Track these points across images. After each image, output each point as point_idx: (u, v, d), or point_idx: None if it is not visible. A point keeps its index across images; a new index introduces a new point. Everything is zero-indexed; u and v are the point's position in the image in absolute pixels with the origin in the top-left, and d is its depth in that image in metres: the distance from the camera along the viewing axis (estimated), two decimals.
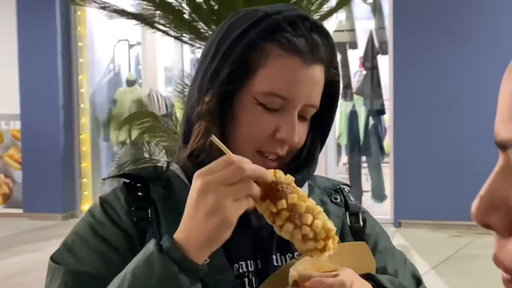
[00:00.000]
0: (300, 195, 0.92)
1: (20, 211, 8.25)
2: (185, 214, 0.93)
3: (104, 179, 1.26)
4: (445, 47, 6.93)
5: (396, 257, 1.22)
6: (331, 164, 7.85)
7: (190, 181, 1.07)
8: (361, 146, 8.16)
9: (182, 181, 1.12)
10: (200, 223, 0.90)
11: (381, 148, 8.11)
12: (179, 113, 3.29)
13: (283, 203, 0.90)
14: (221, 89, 1.06)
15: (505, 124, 0.50)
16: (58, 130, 8.09)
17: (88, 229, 1.09)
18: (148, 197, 1.10)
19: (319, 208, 0.94)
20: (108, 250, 1.06)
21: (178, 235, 0.93)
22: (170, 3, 3.14)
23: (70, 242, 1.09)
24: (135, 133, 4.33)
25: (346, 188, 1.26)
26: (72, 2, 3.56)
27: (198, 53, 3.57)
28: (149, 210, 1.09)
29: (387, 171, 7.64)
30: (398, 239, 6.58)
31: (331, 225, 0.93)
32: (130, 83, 8.90)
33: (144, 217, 1.09)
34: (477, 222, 0.55)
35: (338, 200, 1.21)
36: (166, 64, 9.04)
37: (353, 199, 1.25)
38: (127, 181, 1.14)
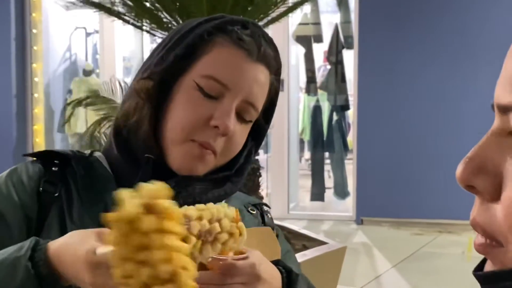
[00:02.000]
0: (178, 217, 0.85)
1: None
2: (71, 236, 0.92)
3: (24, 155, 1.23)
4: (411, 42, 7.00)
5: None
6: (293, 160, 7.87)
7: (112, 169, 1.13)
8: (324, 142, 8.19)
9: (104, 167, 1.14)
10: (67, 258, 0.90)
11: (345, 144, 8.16)
12: None
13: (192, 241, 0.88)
14: (165, 72, 1.09)
15: (510, 88, 0.52)
16: (10, 120, 7.97)
17: None
18: (62, 174, 1.11)
19: (212, 208, 0.92)
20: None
21: (55, 245, 0.92)
22: None
23: None
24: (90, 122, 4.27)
25: (265, 207, 1.28)
26: None
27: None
28: (58, 186, 1.10)
29: (350, 167, 7.68)
30: (360, 236, 6.64)
31: (231, 212, 0.94)
32: (87, 72, 8.80)
33: (51, 192, 1.09)
34: (460, 183, 0.55)
35: (254, 212, 1.24)
36: (125, 54, 8.97)
37: (270, 216, 1.27)
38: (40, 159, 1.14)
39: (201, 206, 0.93)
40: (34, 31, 8.17)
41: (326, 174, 8.57)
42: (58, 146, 8.65)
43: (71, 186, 1.11)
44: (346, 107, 8.13)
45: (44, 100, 8.35)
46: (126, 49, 9.02)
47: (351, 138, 7.86)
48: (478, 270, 0.56)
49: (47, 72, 8.49)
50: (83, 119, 7.97)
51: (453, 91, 6.94)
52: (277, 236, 1.20)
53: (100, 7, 3.20)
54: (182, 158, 1.08)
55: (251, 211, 1.24)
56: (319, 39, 8.38)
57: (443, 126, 6.98)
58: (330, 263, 3.49)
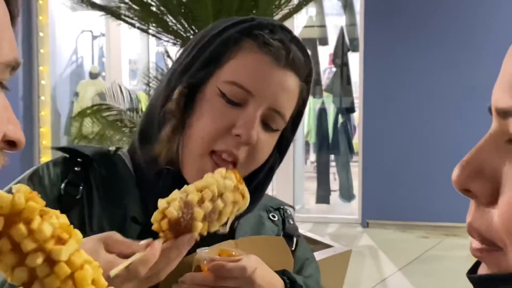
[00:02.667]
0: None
1: None
2: (84, 248, 0.89)
3: (53, 148, 1.21)
4: (416, 44, 6.99)
5: (319, 284, 1.21)
6: (299, 162, 7.86)
7: (136, 171, 1.09)
8: (330, 145, 8.19)
9: (127, 168, 1.11)
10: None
11: (350, 146, 8.15)
12: (144, 108, 3.26)
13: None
14: (190, 80, 1.05)
15: (509, 91, 0.51)
16: None
17: None
18: (85, 175, 1.08)
19: (212, 185, 0.92)
20: None
21: None
22: None
23: None
24: (96, 128, 4.29)
25: (289, 210, 1.25)
26: None
27: (165, 46, 3.55)
28: (80, 188, 1.06)
29: (356, 170, 7.67)
30: (365, 239, 6.63)
31: (231, 180, 0.93)
32: (93, 75, 8.83)
33: (73, 194, 1.06)
34: (456, 187, 0.54)
35: (276, 219, 1.20)
36: (131, 57, 8.98)
37: (291, 221, 1.24)
38: (67, 155, 1.11)
39: (200, 184, 0.92)
40: (41, 34, 8.19)
41: (331, 177, 8.56)
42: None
43: (93, 188, 1.07)
44: (351, 109, 8.12)
45: (51, 102, 8.37)
46: (132, 52, 9.04)
47: (357, 140, 7.85)
48: (472, 273, 0.56)
49: (54, 75, 8.51)
50: (90, 122, 7.99)
51: (459, 93, 6.93)
52: (296, 244, 1.17)
53: (105, 10, 3.21)
54: (195, 173, 1.03)
55: (272, 218, 1.20)
56: (324, 41, 8.38)
57: (449, 128, 6.96)
58: (335, 266, 3.48)
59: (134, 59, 9.14)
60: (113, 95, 3.38)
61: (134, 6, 3.16)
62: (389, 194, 7.11)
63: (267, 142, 1.06)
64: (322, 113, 8.35)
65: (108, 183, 1.08)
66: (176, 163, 1.06)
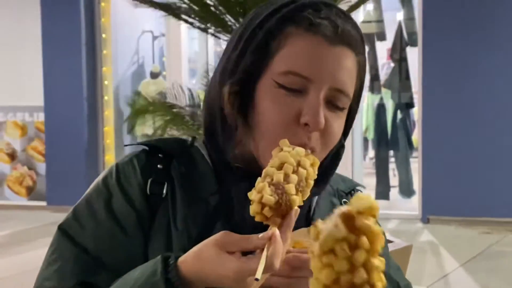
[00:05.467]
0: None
1: (43, 203, 8.35)
2: (203, 256, 0.90)
3: (126, 145, 1.21)
4: (476, 40, 6.87)
5: (390, 265, 1.18)
6: (357, 158, 7.83)
7: (213, 162, 1.08)
8: (389, 140, 8.14)
9: (205, 160, 1.09)
10: (215, 276, 0.89)
11: (409, 142, 8.08)
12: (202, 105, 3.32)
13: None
14: (243, 77, 1.03)
15: None
16: (82, 122, 8.17)
17: (99, 201, 1.06)
18: (167, 171, 1.07)
19: (288, 158, 0.92)
20: (116, 229, 1.04)
21: (187, 267, 0.91)
22: None
23: (79, 212, 1.06)
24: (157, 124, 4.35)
25: (360, 191, 1.23)
26: None
27: (224, 45, 3.57)
28: (165, 186, 1.06)
29: (416, 166, 7.60)
30: (426, 235, 6.57)
31: (300, 150, 0.94)
32: (154, 75, 8.95)
33: (159, 193, 1.05)
34: None
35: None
36: (190, 56, 9.07)
37: None
38: (146, 148, 1.11)
39: (275, 162, 0.92)
40: (103, 36, 8.36)
41: (391, 173, 8.50)
42: (127, 148, 8.77)
43: (175, 184, 1.06)
44: (410, 105, 8.06)
45: (113, 102, 8.53)
46: (191, 51, 9.14)
47: (416, 136, 7.78)
48: None
49: (116, 75, 8.66)
50: (151, 120, 8.10)
51: None
52: None
53: (167, 10, 3.25)
54: None
55: (345, 204, 1.16)
56: (382, 36, 8.33)
57: (511, 124, 6.82)
58: (396, 262, 3.46)
59: (193, 58, 9.23)
60: (175, 95, 3.43)
61: (193, 6, 3.19)
62: (450, 189, 7.02)
63: (337, 123, 1.03)
64: (380, 109, 8.30)
65: (189, 179, 1.07)
66: (248, 158, 1.05)
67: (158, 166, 1.08)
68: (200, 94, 3.48)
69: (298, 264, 0.95)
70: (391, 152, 8.36)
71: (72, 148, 8.14)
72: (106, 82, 8.40)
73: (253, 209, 0.89)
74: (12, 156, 8.59)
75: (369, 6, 8.04)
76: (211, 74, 3.73)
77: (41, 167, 8.44)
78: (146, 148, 1.11)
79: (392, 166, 8.53)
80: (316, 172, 0.95)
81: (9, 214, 8.11)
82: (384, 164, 8.27)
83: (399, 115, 8.10)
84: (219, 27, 3.15)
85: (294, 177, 0.91)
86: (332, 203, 1.16)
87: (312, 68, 0.99)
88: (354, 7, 3.65)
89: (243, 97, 1.03)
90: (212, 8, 3.11)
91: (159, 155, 1.09)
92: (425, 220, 7.12)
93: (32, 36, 8.24)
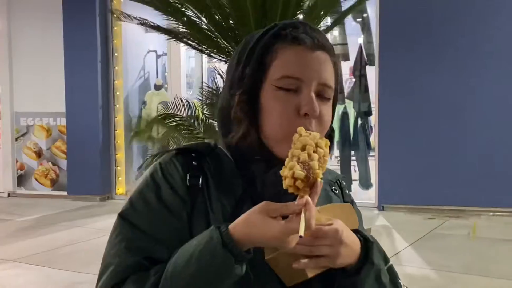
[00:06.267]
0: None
1: (65, 193, 8.31)
2: (250, 221, 0.92)
3: (175, 149, 1.16)
4: (423, 60, 6.93)
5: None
6: None
7: (234, 159, 1.10)
8: (351, 142, 8.15)
9: (229, 158, 1.11)
10: (262, 236, 0.91)
11: (368, 143, 8.09)
12: (201, 114, 3.29)
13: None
14: (248, 87, 1.06)
15: None
16: (97, 126, 8.14)
17: (150, 191, 1.06)
18: (201, 167, 1.09)
19: (308, 141, 0.95)
20: (166, 213, 1.04)
21: (237, 232, 0.93)
22: (195, 22, 3.15)
23: (134, 201, 1.07)
24: (162, 130, 4.34)
25: (343, 182, 1.27)
26: (117, 19, 3.54)
27: (216, 63, 3.57)
28: (201, 178, 1.07)
29: (373, 163, 7.62)
30: (381, 220, 6.60)
31: (316, 134, 0.97)
32: (158, 87, 8.92)
33: (196, 184, 1.07)
34: None
35: (337, 191, 1.22)
36: (188, 72, 9.06)
37: (347, 191, 1.26)
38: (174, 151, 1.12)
39: (299, 145, 0.95)
40: (116, 54, 8.33)
41: (352, 169, 8.51)
42: (135, 147, 8.75)
43: (208, 177, 1.08)
44: (368, 113, 8.06)
45: (123, 109, 8.50)
46: (188, 68, 9.12)
47: (373, 138, 7.80)
48: None
49: (126, 87, 8.63)
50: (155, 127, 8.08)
51: (462, 97, 6.85)
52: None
53: (170, 34, 3.24)
54: (288, 151, 1.00)
55: (335, 191, 1.21)
56: (346, 57, 8.34)
57: (452, 127, 6.88)
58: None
59: (190, 73, 9.21)
60: (176, 105, 3.42)
61: (192, 32, 3.19)
62: (400, 182, 7.06)
63: (327, 111, 1.07)
64: (344, 116, 8.30)
65: (218, 172, 1.09)
66: (263, 153, 1.07)
67: (193, 163, 1.09)
68: (197, 105, 3.48)
69: (319, 234, 0.97)
70: (353, 152, 8.38)
71: (89, 147, 8.10)
72: (117, 93, 8.37)
73: (286, 183, 0.91)
74: (39, 154, 8.53)
75: (336, 32, 8.06)
76: (205, 86, 3.71)
77: (63, 163, 8.39)
78: (177, 150, 1.12)
79: (353, 163, 8.54)
80: (329, 152, 0.98)
81: (36, 202, 8.06)
82: (347, 161, 8.28)
83: (359, 121, 8.10)
84: (214, 49, 3.16)
85: (315, 156, 0.93)
86: (326, 190, 1.19)
87: (302, 70, 1.04)
88: (325, 32, 3.68)
89: (250, 103, 1.06)
90: (209, 33, 3.11)
91: (193, 155, 1.11)
92: (380, 208, 7.16)
93: (56, 54, 8.20)
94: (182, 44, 3.61)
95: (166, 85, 8.92)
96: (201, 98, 3.19)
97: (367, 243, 1.06)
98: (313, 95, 1.03)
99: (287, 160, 0.94)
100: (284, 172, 0.92)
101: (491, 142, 6.71)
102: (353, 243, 1.02)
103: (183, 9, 3.11)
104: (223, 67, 3.37)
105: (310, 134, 0.97)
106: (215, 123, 3.18)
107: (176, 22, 3.18)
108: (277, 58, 1.05)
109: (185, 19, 3.20)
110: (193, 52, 8.90)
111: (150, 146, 8.11)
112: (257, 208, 0.92)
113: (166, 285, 0.94)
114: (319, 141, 0.96)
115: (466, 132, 6.82)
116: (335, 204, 1.12)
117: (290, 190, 0.92)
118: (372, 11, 7.63)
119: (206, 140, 1.04)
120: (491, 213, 6.66)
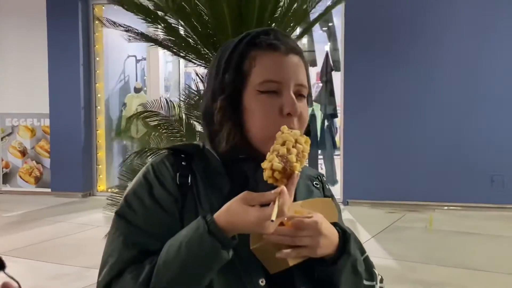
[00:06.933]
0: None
1: (48, 190, 8.19)
2: (231, 210, 0.94)
3: (165, 148, 1.17)
4: (384, 65, 7.03)
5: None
6: None
7: (221, 159, 1.10)
8: (318, 142, 8.20)
9: (216, 158, 1.11)
10: (242, 223, 0.93)
11: (334, 143, 8.14)
12: (183, 115, 3.26)
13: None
14: (229, 92, 1.06)
15: None
16: (79, 126, 8.05)
17: (144, 190, 1.07)
18: (189, 166, 1.09)
19: (288, 136, 0.97)
20: (159, 210, 1.05)
21: (221, 220, 0.95)
22: (176, 29, 3.14)
23: (130, 200, 1.07)
24: (142, 130, 4.27)
25: (323, 177, 1.28)
26: (102, 25, 3.49)
27: (194, 67, 3.53)
28: (189, 177, 1.08)
29: (338, 161, 7.68)
30: (346, 214, 6.67)
31: (296, 132, 0.99)
32: (137, 90, 8.85)
33: (186, 183, 1.07)
34: None
35: (318, 186, 1.23)
36: (166, 75, 9.01)
37: (327, 186, 1.27)
38: (171, 152, 1.12)
39: (280, 141, 0.97)
40: (97, 58, 8.24)
41: (319, 167, 8.57)
42: (115, 146, 8.68)
43: (197, 175, 1.09)
44: (334, 115, 8.11)
45: (104, 111, 8.42)
46: (166, 71, 9.07)
47: (338, 138, 7.87)
48: None
49: (107, 90, 8.54)
50: (134, 125, 8.00)
51: (417, 99, 6.97)
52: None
53: (153, 41, 3.23)
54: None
55: (316, 186, 1.22)
56: (313, 63, 8.37)
57: (409, 128, 7.00)
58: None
59: (168, 77, 9.17)
60: (158, 105, 3.38)
61: (174, 39, 3.18)
62: (364, 179, 7.15)
63: (304, 108, 1.08)
64: (312, 118, 8.31)
65: (206, 171, 1.10)
66: (248, 148, 1.07)
67: (183, 163, 1.10)
68: (178, 105, 3.44)
69: (301, 226, 0.99)
70: (320, 151, 8.44)
71: (71, 146, 8.00)
72: (99, 95, 8.28)
73: (266, 174, 0.94)
74: (24, 153, 8.38)
75: (304, 40, 8.11)
76: (181, 89, 3.66)
77: (47, 161, 8.27)
78: (170, 151, 1.13)
79: (320, 161, 8.60)
80: (309, 148, 0.99)
81: (21, 199, 7.92)
82: (314, 160, 8.32)
83: (326, 123, 8.16)
84: (193, 54, 3.16)
85: (294, 150, 0.95)
86: (307, 185, 1.20)
87: (280, 74, 1.05)
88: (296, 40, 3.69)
89: (232, 107, 1.07)
90: (189, 40, 3.10)
91: (182, 155, 1.11)
92: (345, 202, 7.22)
93: (40, 58, 8.08)
94: (160, 49, 3.56)
95: (145, 88, 8.85)
96: (182, 99, 3.16)
97: (345, 235, 1.07)
98: (293, 95, 1.05)
99: (268, 154, 0.96)
100: (264, 164, 0.95)
101: (446, 143, 6.86)
102: (332, 235, 1.03)
103: (165, 17, 3.10)
104: (202, 71, 3.36)
105: (291, 131, 0.99)
106: (196, 124, 3.18)
107: (158, 29, 3.16)
108: (257, 65, 1.06)
109: (165, 25, 3.19)
110: (171, 57, 8.86)
111: (130, 145, 8.07)
112: (238, 197, 0.94)
113: (159, 272, 0.96)
114: (299, 138, 0.98)
115: (423, 132, 6.94)
116: (316, 199, 1.14)
117: (269, 181, 0.94)
118: (337, 20, 7.70)
119: (194, 142, 1.05)
120: (445, 208, 6.80)
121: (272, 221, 0.88)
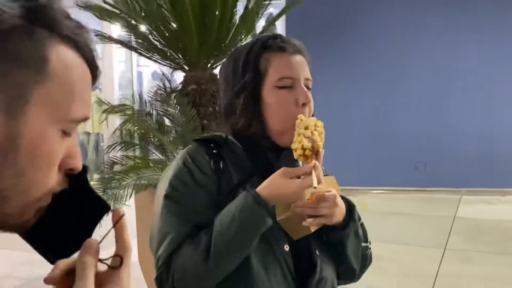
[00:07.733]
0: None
1: None
2: (273, 184, 1.06)
3: (195, 140, 1.25)
4: (327, 72, 7.18)
5: None
6: None
7: (243, 146, 1.22)
8: None
9: (238, 146, 1.22)
10: (284, 193, 1.05)
11: None
12: (153, 110, 3.21)
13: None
14: (251, 89, 1.18)
15: None
16: None
17: (186, 175, 1.16)
18: (219, 154, 1.19)
19: (310, 122, 1.10)
20: (202, 192, 1.14)
21: (264, 193, 1.06)
22: (146, 35, 3.16)
23: (175, 185, 1.15)
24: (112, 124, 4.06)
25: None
26: None
27: (152, 65, 3.43)
28: (221, 162, 1.18)
29: None
30: None
31: (313, 119, 1.11)
32: (93, 88, 8.65)
33: (218, 168, 1.17)
34: None
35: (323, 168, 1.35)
36: (119, 73, 8.88)
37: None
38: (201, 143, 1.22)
39: (302, 125, 1.09)
40: None
41: None
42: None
43: (227, 161, 1.19)
44: None
45: None
46: (120, 70, 8.93)
47: None
48: None
49: None
50: (90, 121, 7.83)
51: (348, 92, 7.17)
52: None
53: (125, 45, 3.21)
54: (290, 141, 1.12)
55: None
56: None
57: (340, 116, 7.14)
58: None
59: (121, 75, 9.03)
60: (134, 101, 3.25)
61: (142, 42, 3.19)
62: (327, 168, 7.25)
63: (311, 98, 1.21)
64: None
65: (233, 157, 1.21)
66: (266, 142, 1.20)
67: (214, 151, 1.20)
68: (147, 101, 3.39)
69: (323, 198, 1.13)
70: None
71: None
72: None
73: (297, 153, 1.07)
74: None
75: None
76: (134, 87, 3.56)
77: None
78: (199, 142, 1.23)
79: None
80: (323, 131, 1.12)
81: None
82: None
83: None
84: (161, 56, 3.18)
85: (316, 132, 1.09)
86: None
87: (292, 71, 1.18)
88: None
89: (254, 101, 1.19)
90: (157, 44, 3.13)
91: (211, 145, 1.22)
92: None
93: None
94: (114, 49, 3.49)
95: (100, 86, 8.67)
96: (152, 96, 3.14)
97: (350, 206, 1.22)
98: (305, 88, 1.18)
99: (295, 137, 1.09)
100: (294, 145, 1.08)
101: (375, 131, 7.12)
102: (343, 205, 1.18)
103: (134, 23, 3.11)
104: (167, 70, 3.36)
105: (309, 118, 1.14)
106: (167, 120, 3.20)
107: (128, 34, 3.16)
108: (272, 64, 1.18)
109: (134, 30, 3.20)
110: (123, 56, 8.75)
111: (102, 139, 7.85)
112: (278, 172, 1.07)
113: (217, 240, 1.06)
114: (317, 122, 1.12)
115: (354, 124, 7.17)
116: (326, 177, 1.27)
117: (300, 159, 1.08)
118: (281, 31, 7.80)
119: (217, 133, 1.14)
120: (375, 191, 7.09)
121: (314, 187, 1.01)
